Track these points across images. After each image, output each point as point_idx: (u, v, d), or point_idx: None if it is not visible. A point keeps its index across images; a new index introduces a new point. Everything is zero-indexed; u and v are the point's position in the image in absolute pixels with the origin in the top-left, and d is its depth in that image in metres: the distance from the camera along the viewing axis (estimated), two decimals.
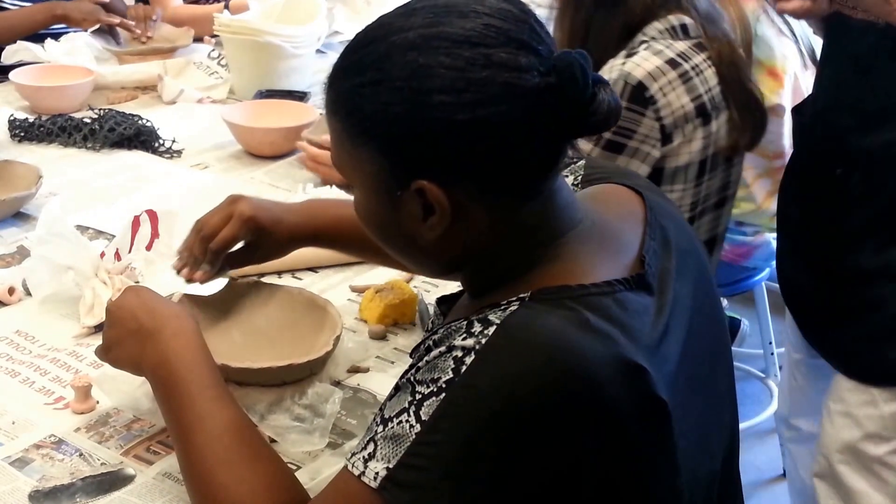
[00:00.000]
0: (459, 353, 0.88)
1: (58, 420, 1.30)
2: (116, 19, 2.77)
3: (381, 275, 1.65)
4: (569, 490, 0.88)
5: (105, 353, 1.20)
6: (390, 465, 0.88)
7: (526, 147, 0.92)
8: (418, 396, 0.89)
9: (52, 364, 1.42)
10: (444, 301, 1.12)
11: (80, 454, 1.24)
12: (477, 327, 0.89)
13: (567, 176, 1.13)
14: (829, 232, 1.69)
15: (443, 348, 0.90)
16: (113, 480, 1.20)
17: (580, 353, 0.86)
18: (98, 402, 1.33)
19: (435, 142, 0.90)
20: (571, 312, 0.88)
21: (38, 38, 2.71)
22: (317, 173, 1.98)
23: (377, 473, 0.88)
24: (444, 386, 0.87)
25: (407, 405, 0.89)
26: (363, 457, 0.90)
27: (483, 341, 0.88)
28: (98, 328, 1.49)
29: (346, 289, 1.65)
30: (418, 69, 0.90)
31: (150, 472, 1.21)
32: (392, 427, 0.89)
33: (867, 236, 1.63)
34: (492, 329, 0.88)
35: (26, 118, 2.26)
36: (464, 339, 0.89)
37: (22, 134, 2.23)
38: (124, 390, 1.27)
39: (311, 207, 1.41)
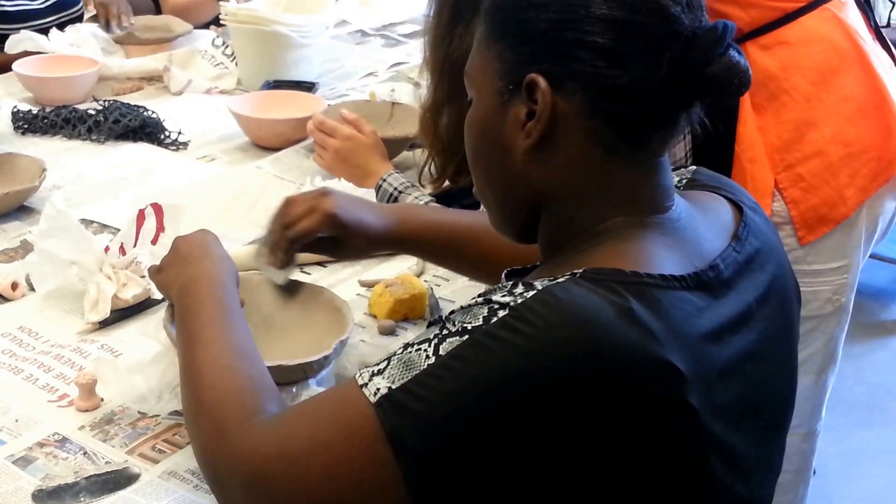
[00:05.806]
0: (495, 306, 0.89)
1: (62, 418, 1.29)
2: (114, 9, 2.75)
3: (391, 269, 1.63)
4: (559, 475, 0.87)
5: (156, 272, 1.30)
6: (393, 386, 0.89)
7: (643, 73, 0.93)
8: (444, 332, 0.90)
9: (55, 361, 1.40)
10: (514, 274, 1.11)
11: (85, 452, 1.22)
12: (519, 288, 0.90)
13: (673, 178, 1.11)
14: None
15: (481, 300, 0.91)
16: (118, 479, 1.18)
17: (612, 339, 0.85)
18: (103, 400, 1.31)
19: (564, 29, 0.94)
20: (618, 297, 0.87)
21: (42, 29, 2.70)
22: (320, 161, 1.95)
23: (378, 389, 0.89)
24: (469, 329, 0.88)
25: (431, 337, 0.91)
26: (372, 371, 0.92)
27: (519, 301, 0.88)
28: (102, 324, 1.47)
29: (355, 283, 1.63)
30: None
31: (155, 470, 1.20)
32: (409, 352, 0.91)
33: None
34: (532, 293, 0.88)
35: (30, 110, 2.24)
36: (503, 296, 0.89)
37: (25, 126, 2.20)
38: (122, 376, 1.26)
39: (404, 211, 1.41)
